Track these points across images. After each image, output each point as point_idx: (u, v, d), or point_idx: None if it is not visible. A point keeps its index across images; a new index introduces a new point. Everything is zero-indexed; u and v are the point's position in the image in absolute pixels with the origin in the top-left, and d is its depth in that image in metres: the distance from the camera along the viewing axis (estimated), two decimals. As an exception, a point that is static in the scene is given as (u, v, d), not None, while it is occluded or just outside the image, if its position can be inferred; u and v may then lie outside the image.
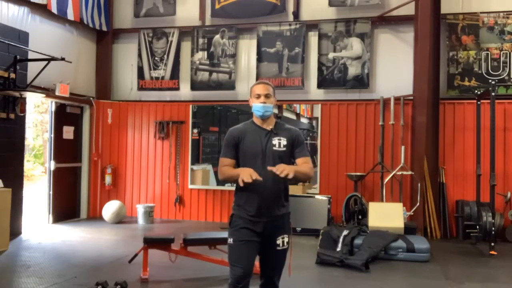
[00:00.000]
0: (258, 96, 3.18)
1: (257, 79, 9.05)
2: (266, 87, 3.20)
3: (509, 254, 6.74)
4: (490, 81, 7.01)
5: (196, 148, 9.42)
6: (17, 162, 7.62)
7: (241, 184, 2.95)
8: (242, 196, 3.14)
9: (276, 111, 9.01)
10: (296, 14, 9.12)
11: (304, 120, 9.00)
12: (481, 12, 8.31)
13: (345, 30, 8.81)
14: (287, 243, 3.21)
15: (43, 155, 18.43)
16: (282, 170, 2.91)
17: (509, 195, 7.81)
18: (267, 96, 3.17)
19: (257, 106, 3.18)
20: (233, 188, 3.29)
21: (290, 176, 2.91)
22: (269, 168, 2.97)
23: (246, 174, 2.94)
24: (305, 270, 5.63)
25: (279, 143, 3.14)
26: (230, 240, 3.15)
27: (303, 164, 3.18)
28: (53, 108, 8.83)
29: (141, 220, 8.91)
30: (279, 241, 3.15)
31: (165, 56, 9.69)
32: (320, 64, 8.90)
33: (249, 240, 3.10)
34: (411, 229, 6.76)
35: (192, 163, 9.41)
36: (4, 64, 7.17)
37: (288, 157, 3.19)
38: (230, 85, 9.31)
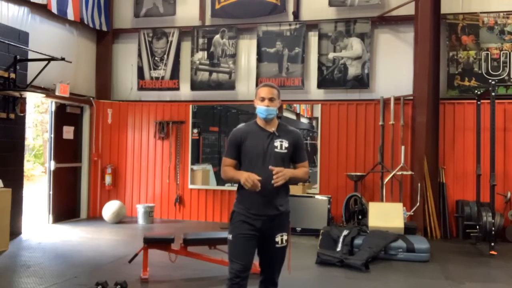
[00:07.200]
0: (263, 99, 3.29)
1: (257, 79, 9.07)
2: (270, 91, 3.31)
3: (509, 254, 6.74)
4: (490, 81, 7.00)
5: (196, 148, 9.42)
6: (17, 162, 7.62)
7: (247, 188, 3.12)
8: (242, 193, 3.25)
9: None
10: (296, 14, 9.12)
11: (304, 120, 9.00)
12: (481, 12, 8.31)
13: (345, 30, 8.80)
14: (286, 241, 3.31)
15: (43, 155, 18.43)
16: (278, 175, 3.09)
17: (509, 195, 7.82)
18: (271, 99, 3.28)
19: (260, 109, 3.29)
20: (233, 188, 3.32)
21: (279, 183, 3.10)
22: (270, 167, 3.12)
23: (245, 179, 3.08)
24: (305, 270, 5.63)
25: (281, 145, 3.27)
26: (230, 236, 3.27)
27: (301, 168, 3.36)
28: (53, 108, 8.83)
29: (141, 220, 8.91)
30: (278, 239, 3.26)
31: (165, 56, 9.69)
32: (320, 64, 8.90)
33: (248, 234, 3.21)
34: (411, 229, 6.75)
35: (192, 163, 9.39)
36: (4, 64, 7.17)
37: (288, 158, 3.32)
38: (230, 85, 9.31)
